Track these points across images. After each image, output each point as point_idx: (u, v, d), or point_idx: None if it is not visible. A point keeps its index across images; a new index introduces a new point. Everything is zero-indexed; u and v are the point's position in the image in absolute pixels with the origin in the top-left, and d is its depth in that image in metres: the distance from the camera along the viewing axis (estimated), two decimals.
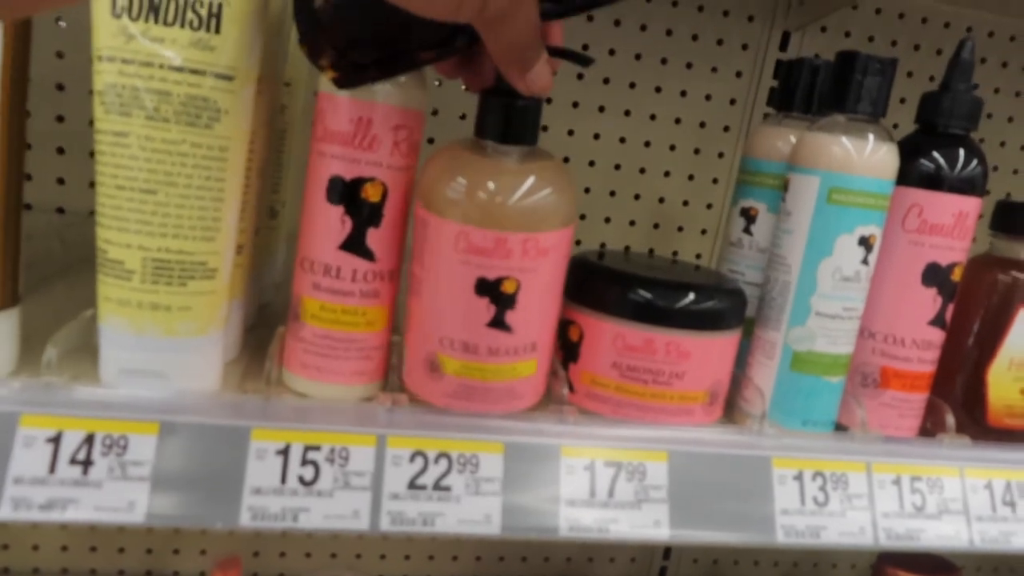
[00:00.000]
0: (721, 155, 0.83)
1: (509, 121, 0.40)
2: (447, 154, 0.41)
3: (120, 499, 0.36)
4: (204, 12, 0.36)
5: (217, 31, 0.37)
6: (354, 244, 0.41)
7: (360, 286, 0.42)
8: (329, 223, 0.41)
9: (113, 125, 0.37)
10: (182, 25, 0.36)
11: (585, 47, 0.77)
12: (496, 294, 0.40)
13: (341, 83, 0.37)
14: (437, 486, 0.40)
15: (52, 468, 0.36)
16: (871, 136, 0.43)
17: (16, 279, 0.40)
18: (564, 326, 0.46)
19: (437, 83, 0.75)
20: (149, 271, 0.38)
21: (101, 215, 0.38)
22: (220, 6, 0.36)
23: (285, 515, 0.38)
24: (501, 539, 0.42)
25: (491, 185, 0.39)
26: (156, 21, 0.36)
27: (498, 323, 0.41)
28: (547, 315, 0.42)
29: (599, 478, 0.42)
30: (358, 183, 0.40)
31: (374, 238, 0.41)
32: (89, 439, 0.37)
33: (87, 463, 0.37)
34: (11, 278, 0.39)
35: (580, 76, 0.78)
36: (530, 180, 0.40)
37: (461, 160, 0.41)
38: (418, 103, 0.41)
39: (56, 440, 0.37)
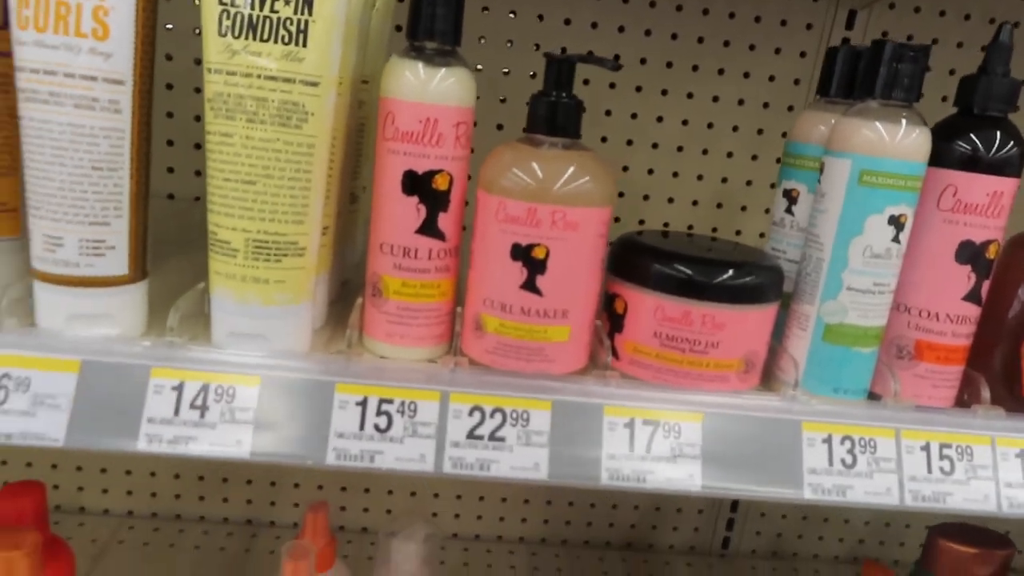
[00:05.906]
0: (784, 135, 0.84)
1: (550, 116, 0.47)
2: (502, 147, 0.48)
3: (230, 438, 0.44)
4: (294, 29, 0.43)
5: (304, 44, 0.43)
6: (428, 228, 0.48)
7: (435, 263, 0.49)
8: (405, 211, 0.47)
9: (220, 127, 0.44)
10: (275, 40, 0.43)
11: (647, 32, 0.80)
12: (528, 259, 0.46)
13: None
14: (492, 437, 0.45)
15: (176, 411, 0.44)
16: (903, 121, 0.45)
17: (145, 257, 0.48)
18: (610, 299, 0.51)
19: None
20: (251, 250, 0.45)
21: (211, 203, 0.45)
22: (307, 23, 0.43)
23: (363, 456, 0.45)
24: (550, 486, 0.47)
25: (526, 164, 0.46)
26: (254, 38, 0.43)
27: (530, 286, 0.47)
28: (579, 286, 0.47)
29: (638, 434, 0.46)
30: (429, 175, 0.47)
31: (444, 221, 0.48)
32: (204, 389, 0.45)
33: (204, 408, 0.44)
34: (141, 257, 0.47)
35: (643, 61, 0.81)
36: (561, 162, 0.46)
37: (509, 148, 0.47)
38: (471, 99, 0.47)
39: (179, 388, 0.45)
